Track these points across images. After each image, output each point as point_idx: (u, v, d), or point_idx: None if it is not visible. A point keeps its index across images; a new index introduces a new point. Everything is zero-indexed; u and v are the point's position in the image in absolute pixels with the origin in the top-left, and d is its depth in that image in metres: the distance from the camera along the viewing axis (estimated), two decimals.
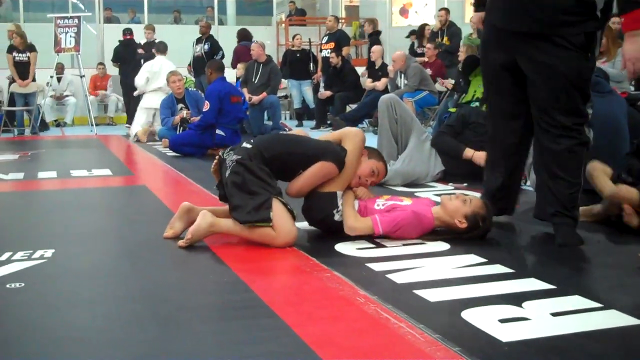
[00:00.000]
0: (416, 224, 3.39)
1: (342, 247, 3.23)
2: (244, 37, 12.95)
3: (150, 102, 10.25)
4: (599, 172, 3.69)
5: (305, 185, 3.43)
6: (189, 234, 3.30)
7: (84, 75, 12.52)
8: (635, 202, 3.44)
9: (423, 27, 12.79)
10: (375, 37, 12.57)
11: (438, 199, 3.71)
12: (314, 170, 3.39)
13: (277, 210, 3.23)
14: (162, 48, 10.84)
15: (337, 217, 3.42)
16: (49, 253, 3.18)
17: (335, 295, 2.55)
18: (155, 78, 10.41)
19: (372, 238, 3.37)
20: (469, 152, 5.18)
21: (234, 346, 2.06)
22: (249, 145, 3.41)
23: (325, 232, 3.51)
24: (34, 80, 11.97)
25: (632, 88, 7.65)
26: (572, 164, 3.33)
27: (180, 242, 3.31)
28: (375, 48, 11.87)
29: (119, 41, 13.06)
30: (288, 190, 3.47)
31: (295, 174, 3.43)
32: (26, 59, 11.83)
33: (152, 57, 12.35)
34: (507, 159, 3.64)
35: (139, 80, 10.59)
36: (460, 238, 3.35)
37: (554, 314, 2.28)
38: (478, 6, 3.75)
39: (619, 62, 6.89)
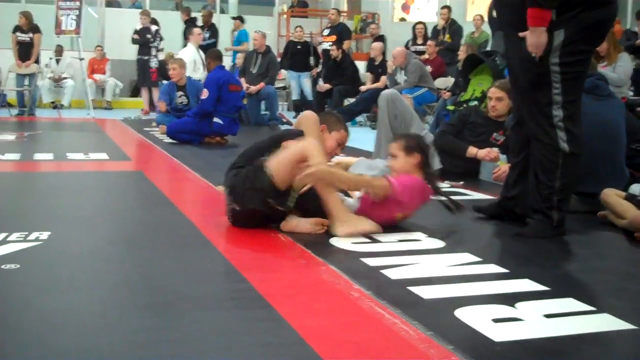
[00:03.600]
0: (421, 188, 3.54)
1: (337, 241, 3.24)
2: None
3: None
4: (613, 198, 3.71)
5: (280, 170, 3.33)
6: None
7: (83, 58, 12.48)
8: None
9: (414, 26, 12.74)
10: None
11: (434, 197, 3.72)
12: (280, 152, 3.42)
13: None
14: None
15: None
16: (44, 235, 3.18)
17: (330, 289, 2.56)
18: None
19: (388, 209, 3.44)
20: (472, 150, 5.23)
21: (229, 336, 2.07)
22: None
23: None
24: (36, 62, 11.95)
25: (631, 93, 7.69)
26: (545, 167, 3.42)
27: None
28: (374, 45, 11.88)
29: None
30: (275, 181, 3.36)
31: None
32: (28, 39, 11.82)
33: (146, 43, 12.38)
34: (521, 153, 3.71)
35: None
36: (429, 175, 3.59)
37: (547, 316, 2.29)
38: None
39: (619, 66, 6.93)
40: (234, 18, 13.94)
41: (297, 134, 3.59)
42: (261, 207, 3.34)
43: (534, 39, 3.22)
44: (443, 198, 3.67)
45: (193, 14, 13.41)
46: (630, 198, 3.69)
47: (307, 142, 3.40)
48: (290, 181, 3.33)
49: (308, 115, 3.75)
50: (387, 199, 3.44)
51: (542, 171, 3.43)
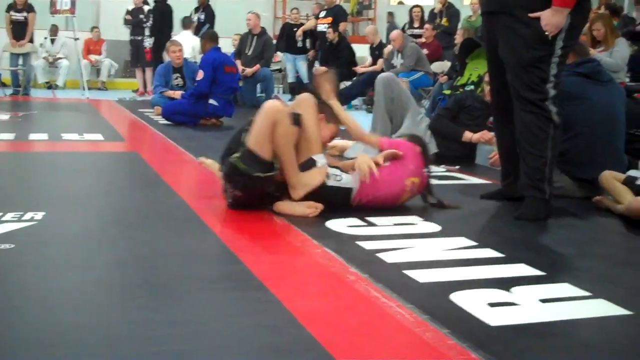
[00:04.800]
0: (413, 156, 3.60)
1: (333, 224, 3.23)
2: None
3: None
4: (611, 182, 3.71)
5: (259, 137, 3.35)
6: None
7: (78, 38, 12.41)
8: None
9: (411, 9, 12.67)
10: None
11: (431, 181, 3.72)
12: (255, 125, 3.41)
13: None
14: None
15: (332, 183, 3.45)
16: (39, 215, 3.17)
17: (325, 271, 2.56)
18: None
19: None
20: (468, 134, 5.23)
21: (223, 317, 2.06)
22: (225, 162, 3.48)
23: (324, 203, 3.43)
24: (30, 41, 11.88)
25: (628, 79, 7.68)
26: (537, 137, 3.52)
27: None
28: (368, 29, 11.87)
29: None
30: (258, 153, 3.36)
31: None
32: (23, 18, 11.73)
33: (139, 24, 12.32)
34: (507, 140, 3.84)
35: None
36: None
37: (543, 301, 2.29)
38: None
39: (616, 51, 6.92)
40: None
41: (293, 116, 3.53)
42: (258, 184, 3.34)
43: (556, 19, 3.37)
44: (433, 201, 3.72)
45: None
46: (629, 182, 3.68)
47: (271, 106, 3.44)
48: (270, 149, 3.34)
49: (307, 97, 3.72)
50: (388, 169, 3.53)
51: (533, 143, 3.53)
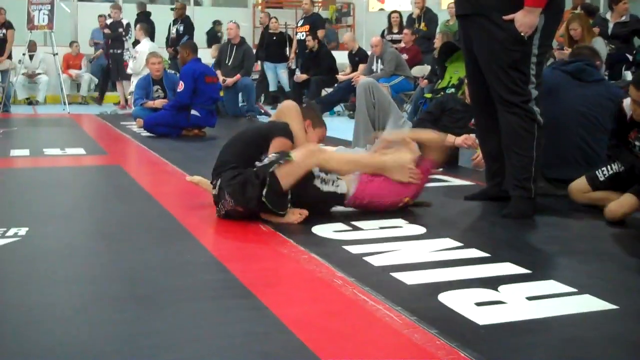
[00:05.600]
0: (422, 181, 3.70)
1: (319, 230, 3.23)
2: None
3: None
4: (583, 197, 3.73)
5: (291, 176, 3.33)
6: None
7: (57, 54, 12.35)
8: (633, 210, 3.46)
9: (390, 14, 12.72)
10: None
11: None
12: (273, 148, 3.48)
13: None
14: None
15: (323, 186, 3.45)
16: (22, 231, 3.15)
17: (312, 277, 2.55)
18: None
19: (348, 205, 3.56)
20: (450, 139, 5.21)
21: (211, 326, 2.05)
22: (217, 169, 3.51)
23: (315, 209, 3.44)
24: (9, 58, 11.82)
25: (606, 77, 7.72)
26: (522, 138, 3.57)
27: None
28: (346, 37, 11.91)
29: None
30: (281, 186, 3.34)
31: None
32: (1, 35, 11.70)
33: (118, 37, 12.34)
34: (491, 140, 3.86)
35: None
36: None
37: (530, 298, 2.31)
38: None
39: None
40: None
41: (283, 128, 3.61)
42: (259, 208, 3.33)
43: (529, 19, 3.42)
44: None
45: (166, 5, 13.31)
46: (592, 179, 3.69)
47: (312, 151, 3.43)
48: (292, 187, 3.33)
49: (289, 105, 3.74)
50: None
51: (519, 143, 3.58)
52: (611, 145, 3.77)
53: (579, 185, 3.76)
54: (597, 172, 3.71)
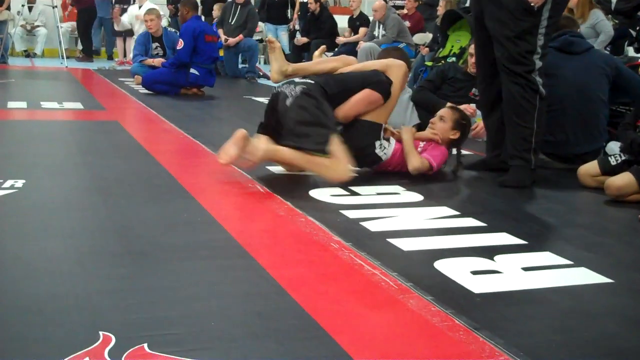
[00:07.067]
0: (445, 157, 3.80)
1: (316, 193, 3.23)
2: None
3: None
4: (592, 181, 3.66)
5: (351, 110, 3.57)
6: (247, 154, 3.34)
7: (56, 6, 12.23)
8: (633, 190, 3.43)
9: None
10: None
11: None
12: (361, 96, 3.56)
13: (337, 146, 3.36)
14: None
15: (377, 150, 3.61)
16: (19, 183, 3.14)
17: (309, 240, 2.56)
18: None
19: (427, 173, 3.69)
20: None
21: (208, 285, 2.06)
22: (310, 81, 3.51)
23: (360, 164, 3.60)
24: (8, 8, 11.68)
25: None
26: (523, 108, 3.59)
27: (225, 158, 3.34)
28: None
29: None
30: (335, 114, 3.53)
31: None
32: None
33: None
34: (495, 112, 3.86)
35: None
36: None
37: (525, 269, 2.31)
38: None
39: (601, 24, 6.90)
40: None
41: (383, 85, 3.61)
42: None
43: None
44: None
45: None
46: (604, 164, 3.64)
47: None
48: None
49: (401, 64, 3.75)
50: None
51: (520, 114, 3.60)
52: (623, 123, 3.79)
53: (589, 168, 3.69)
54: (610, 157, 3.68)
